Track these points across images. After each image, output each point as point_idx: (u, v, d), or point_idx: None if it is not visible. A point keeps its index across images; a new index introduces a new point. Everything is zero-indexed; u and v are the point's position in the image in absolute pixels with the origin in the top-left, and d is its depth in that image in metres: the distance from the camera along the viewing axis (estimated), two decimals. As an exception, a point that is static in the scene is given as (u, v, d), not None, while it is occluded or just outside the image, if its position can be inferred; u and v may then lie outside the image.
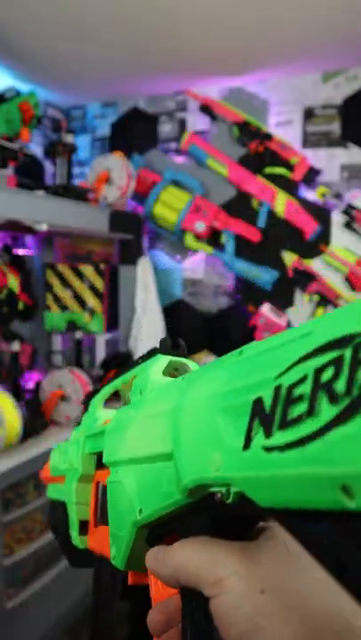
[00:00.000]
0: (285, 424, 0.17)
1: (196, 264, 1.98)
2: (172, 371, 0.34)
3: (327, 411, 0.15)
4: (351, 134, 1.68)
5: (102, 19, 1.37)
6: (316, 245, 1.74)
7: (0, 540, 1.39)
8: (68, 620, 1.53)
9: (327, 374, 0.16)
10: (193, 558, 0.21)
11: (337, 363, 0.16)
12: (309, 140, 1.75)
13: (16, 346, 1.57)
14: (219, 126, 1.87)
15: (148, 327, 1.83)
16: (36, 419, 1.42)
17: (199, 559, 0.21)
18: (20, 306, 1.65)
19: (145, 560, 0.27)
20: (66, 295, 1.86)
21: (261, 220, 1.78)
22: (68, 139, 1.74)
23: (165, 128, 2.01)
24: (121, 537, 0.30)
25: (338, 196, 1.70)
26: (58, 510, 0.48)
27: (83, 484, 0.42)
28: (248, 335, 1.81)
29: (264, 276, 1.79)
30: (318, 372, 0.16)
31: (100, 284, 1.82)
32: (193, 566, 0.21)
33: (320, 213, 1.72)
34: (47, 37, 1.50)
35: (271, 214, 1.78)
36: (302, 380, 0.17)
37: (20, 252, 1.82)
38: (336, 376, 0.16)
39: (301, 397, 0.17)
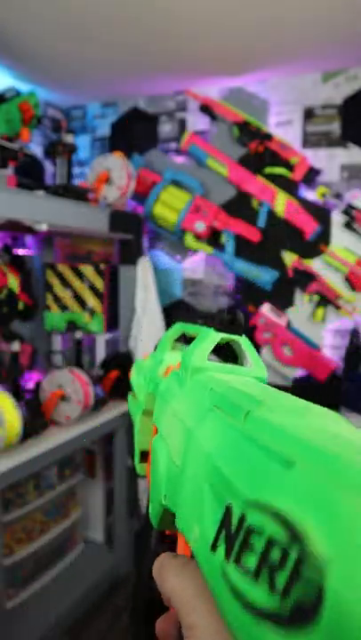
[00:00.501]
0: (239, 564, 0.15)
1: (196, 264, 1.98)
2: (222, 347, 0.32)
3: (264, 599, 0.14)
4: (351, 134, 1.68)
5: (102, 18, 1.37)
6: (316, 245, 1.74)
7: (0, 539, 1.39)
8: (68, 620, 1.53)
9: (275, 553, 0.14)
10: (180, 592, 0.21)
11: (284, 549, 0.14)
12: (309, 140, 1.75)
13: (16, 346, 1.57)
14: (219, 126, 1.87)
15: (148, 327, 1.83)
16: (36, 419, 1.41)
17: (183, 596, 0.21)
18: (20, 306, 1.65)
19: (179, 548, 0.27)
20: (66, 295, 1.86)
21: (261, 220, 1.78)
22: (68, 139, 1.74)
23: (165, 128, 2.01)
24: (154, 502, 0.29)
25: (338, 195, 1.70)
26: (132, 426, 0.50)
27: (145, 417, 0.41)
28: (248, 335, 1.81)
29: (264, 275, 1.79)
30: (270, 542, 0.14)
31: (100, 283, 1.82)
32: (177, 601, 0.21)
33: (320, 213, 1.72)
34: (47, 37, 1.50)
35: (271, 214, 1.78)
36: (258, 533, 0.15)
37: (20, 251, 1.81)
38: (280, 565, 0.14)
39: (253, 549, 0.15)
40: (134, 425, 0.44)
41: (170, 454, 0.26)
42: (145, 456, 0.41)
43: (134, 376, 0.50)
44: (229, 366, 0.30)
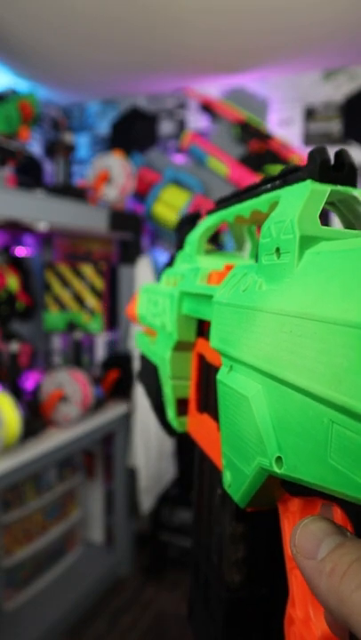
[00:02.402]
0: None
1: (196, 264, 1.97)
2: (329, 207, 0.22)
3: None
4: (353, 133, 1.68)
5: (102, 17, 1.36)
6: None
7: (-1, 541, 1.38)
8: (67, 621, 1.52)
9: None
10: None
11: None
12: (310, 139, 1.74)
13: (15, 346, 1.57)
14: (219, 125, 1.86)
15: (148, 327, 1.83)
16: (36, 419, 1.41)
17: None
18: (20, 306, 1.64)
19: (287, 537, 0.19)
20: (65, 295, 1.85)
21: (262, 220, 1.77)
22: (68, 137, 1.73)
23: (165, 126, 2.00)
24: (242, 471, 0.21)
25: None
26: (149, 370, 0.37)
27: (180, 353, 0.31)
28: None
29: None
30: None
31: (99, 283, 1.81)
32: None
33: (320, 213, 1.71)
34: (47, 36, 1.49)
35: (272, 214, 1.77)
36: None
37: (20, 251, 1.81)
38: None
39: None
40: (160, 369, 0.33)
41: (303, 390, 0.16)
42: (185, 406, 0.31)
43: (143, 306, 0.39)
44: (355, 233, 0.20)
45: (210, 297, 0.25)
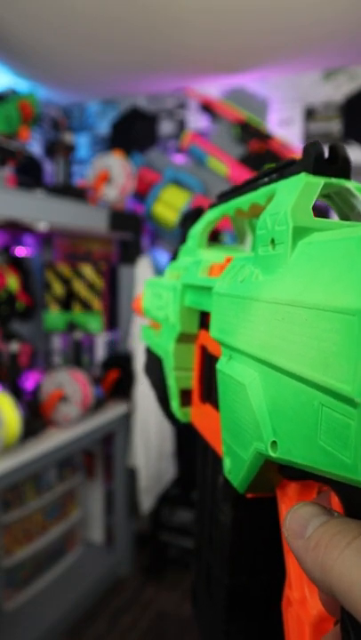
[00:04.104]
0: None
1: (196, 264, 1.97)
2: (325, 200, 0.23)
3: None
4: (353, 133, 1.68)
5: (101, 17, 1.36)
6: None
7: (-1, 541, 1.38)
8: (67, 621, 1.53)
9: None
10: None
11: None
12: (310, 139, 1.74)
13: (15, 346, 1.57)
14: (219, 125, 1.86)
15: (148, 327, 1.82)
16: (36, 419, 1.41)
17: None
18: (20, 306, 1.64)
19: (283, 518, 0.19)
20: (65, 295, 1.85)
21: (262, 220, 1.77)
22: (68, 137, 1.73)
23: (165, 126, 2.00)
24: (240, 457, 0.21)
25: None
26: (154, 363, 0.38)
27: (183, 344, 0.31)
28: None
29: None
30: None
31: (99, 283, 1.81)
32: (359, 595, 0.14)
33: (321, 213, 1.71)
34: (47, 36, 1.49)
35: (272, 213, 1.77)
36: None
37: (20, 251, 1.81)
38: None
39: None
40: (164, 361, 0.34)
41: (295, 375, 0.16)
42: (188, 397, 0.32)
43: (148, 299, 0.39)
44: (347, 223, 0.21)
45: (210, 289, 0.25)
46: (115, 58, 1.65)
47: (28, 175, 1.62)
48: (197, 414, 0.30)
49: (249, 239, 0.35)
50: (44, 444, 1.36)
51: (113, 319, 1.87)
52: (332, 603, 0.18)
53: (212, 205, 0.33)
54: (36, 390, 1.54)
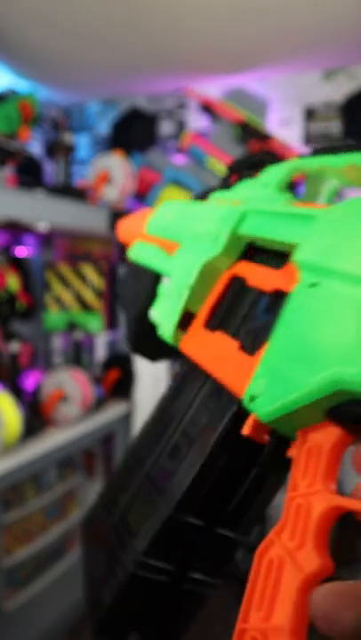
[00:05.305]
0: None
1: (196, 264, 1.97)
2: None
3: None
4: (353, 133, 1.68)
5: (101, 17, 1.36)
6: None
7: (-1, 541, 1.38)
8: (67, 621, 1.53)
9: None
10: None
11: None
12: (310, 139, 1.75)
13: (16, 346, 1.57)
14: (219, 125, 1.86)
15: (148, 327, 1.83)
16: (36, 419, 1.41)
17: None
18: (20, 306, 1.64)
19: (297, 469, 0.19)
20: (66, 295, 1.85)
21: (262, 220, 1.77)
22: (68, 137, 1.73)
23: (165, 126, 2.00)
24: (292, 382, 0.19)
25: (338, 195, 1.69)
26: (140, 279, 0.36)
27: (213, 268, 0.30)
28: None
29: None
30: None
31: (100, 283, 1.81)
32: None
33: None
34: (47, 36, 1.49)
35: (272, 214, 1.77)
36: None
37: (20, 251, 1.81)
38: None
39: None
40: (171, 278, 0.32)
41: None
42: (188, 321, 0.30)
43: (165, 216, 0.37)
44: None
45: (304, 217, 0.24)
46: (115, 58, 1.65)
47: (29, 175, 1.62)
48: (195, 342, 0.29)
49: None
50: (44, 443, 1.36)
51: (113, 319, 1.87)
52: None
53: (303, 156, 0.31)
54: (37, 390, 1.54)
